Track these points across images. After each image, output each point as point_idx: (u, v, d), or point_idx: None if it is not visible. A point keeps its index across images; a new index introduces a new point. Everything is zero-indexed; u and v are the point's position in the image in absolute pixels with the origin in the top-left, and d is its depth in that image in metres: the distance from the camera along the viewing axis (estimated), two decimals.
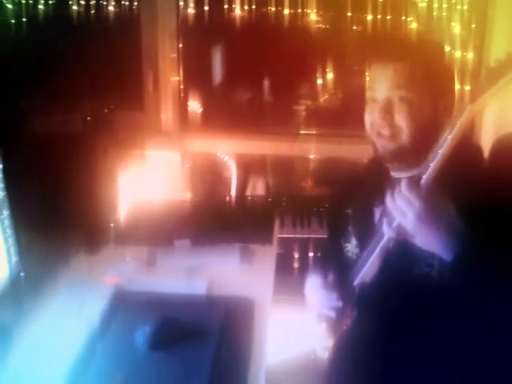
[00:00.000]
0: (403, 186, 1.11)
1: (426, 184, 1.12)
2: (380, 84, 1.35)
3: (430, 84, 1.33)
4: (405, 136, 1.33)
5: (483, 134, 2.36)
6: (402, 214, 1.11)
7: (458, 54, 2.46)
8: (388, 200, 1.14)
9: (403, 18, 2.54)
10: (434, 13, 2.48)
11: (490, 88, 1.07)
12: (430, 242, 1.12)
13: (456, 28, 2.46)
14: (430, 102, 1.33)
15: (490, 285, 1.11)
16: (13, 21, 2.43)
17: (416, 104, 1.32)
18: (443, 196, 1.12)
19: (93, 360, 1.35)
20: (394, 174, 1.41)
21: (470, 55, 2.45)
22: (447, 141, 1.11)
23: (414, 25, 2.52)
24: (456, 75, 1.44)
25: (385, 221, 1.21)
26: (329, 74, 2.77)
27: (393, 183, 1.15)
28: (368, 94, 1.39)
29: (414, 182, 1.12)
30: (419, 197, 1.09)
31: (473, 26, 2.43)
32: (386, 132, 1.34)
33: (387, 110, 1.33)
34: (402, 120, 1.32)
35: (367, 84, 1.40)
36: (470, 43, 2.45)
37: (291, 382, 1.61)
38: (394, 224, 1.17)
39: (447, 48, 2.44)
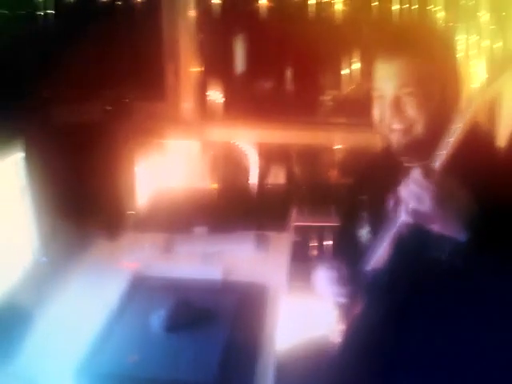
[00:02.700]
0: (418, 173, 1.11)
1: (439, 171, 1.13)
2: (386, 82, 1.35)
3: (437, 75, 1.32)
4: (418, 128, 1.33)
5: (502, 122, 2.34)
6: (420, 201, 1.11)
7: (485, 43, 2.43)
8: (403, 187, 1.15)
9: (430, 7, 2.51)
10: (462, 1, 2.46)
11: (498, 78, 1.08)
12: (447, 226, 1.12)
13: (484, 17, 2.43)
14: (439, 93, 1.33)
15: (502, 269, 1.12)
16: (38, 13, 2.47)
17: (425, 96, 1.31)
18: (455, 182, 1.12)
19: (111, 342, 1.38)
20: (407, 163, 1.41)
21: (499, 44, 2.42)
22: (457, 129, 1.12)
23: (441, 14, 2.49)
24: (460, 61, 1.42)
25: (401, 207, 1.22)
26: (352, 65, 2.76)
27: (406, 171, 1.16)
28: (375, 92, 1.39)
29: (429, 170, 1.12)
30: (435, 183, 1.10)
31: (503, 14, 2.40)
32: (398, 126, 1.34)
33: (397, 106, 1.33)
34: (413, 113, 1.32)
35: (374, 81, 1.39)
36: (498, 32, 2.42)
37: (302, 367, 1.62)
38: (410, 210, 1.17)
39: (473, 37, 2.42)
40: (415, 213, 1.13)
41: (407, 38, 1.38)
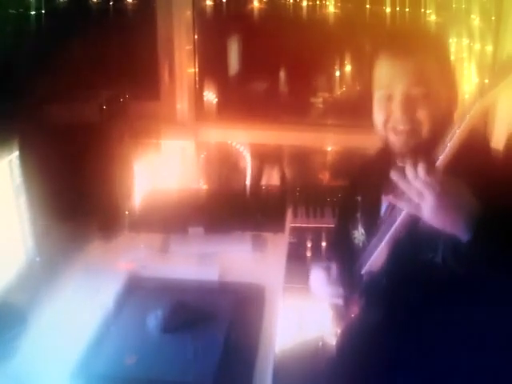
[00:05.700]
0: (416, 171, 1.11)
1: (438, 169, 1.13)
2: (395, 81, 1.33)
3: (444, 77, 1.33)
4: (425, 130, 1.32)
5: (496, 126, 2.34)
6: (419, 198, 1.11)
7: (476, 46, 2.44)
8: (401, 185, 1.14)
9: (422, 10, 2.52)
10: (454, 5, 2.46)
11: (500, 82, 1.07)
12: (446, 224, 1.11)
13: (475, 20, 2.43)
14: (445, 96, 1.34)
15: (502, 270, 1.11)
16: (32, 12, 2.46)
17: (434, 98, 1.31)
18: (457, 181, 1.12)
19: (106, 343, 1.37)
20: (402, 164, 1.41)
21: (489, 48, 2.43)
22: (456, 133, 1.12)
23: (432, 17, 2.50)
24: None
25: (396, 208, 1.22)
26: (346, 67, 2.77)
27: (402, 171, 1.15)
28: (381, 92, 1.36)
29: (430, 167, 1.12)
30: (436, 181, 1.09)
31: (492, 18, 2.41)
32: (404, 127, 1.33)
33: (407, 106, 1.31)
34: (423, 115, 1.31)
35: (377, 82, 1.38)
36: (489, 36, 2.43)
37: (299, 367, 1.62)
38: (408, 208, 1.17)
39: (466, 41, 2.43)
40: (413, 210, 1.13)
41: (417, 37, 1.38)
